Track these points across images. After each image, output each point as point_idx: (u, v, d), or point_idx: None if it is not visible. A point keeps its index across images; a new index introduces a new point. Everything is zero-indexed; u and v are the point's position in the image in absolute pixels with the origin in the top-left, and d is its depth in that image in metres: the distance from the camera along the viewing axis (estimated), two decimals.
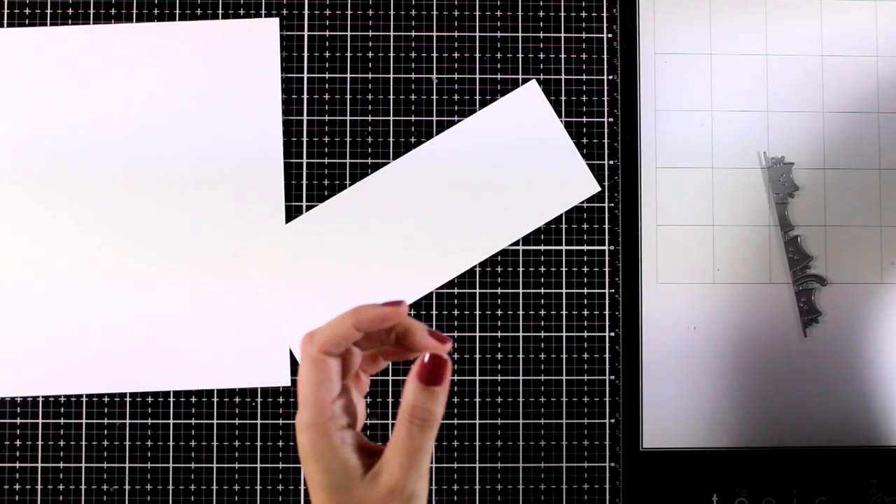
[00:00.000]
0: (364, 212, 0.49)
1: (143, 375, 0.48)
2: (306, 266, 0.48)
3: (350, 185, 0.49)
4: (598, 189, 0.49)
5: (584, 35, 0.50)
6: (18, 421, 0.48)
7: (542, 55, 0.50)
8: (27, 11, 0.49)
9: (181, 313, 0.48)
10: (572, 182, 0.49)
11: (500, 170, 0.49)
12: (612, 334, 0.49)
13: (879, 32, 0.50)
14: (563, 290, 0.49)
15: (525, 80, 0.50)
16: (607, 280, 0.49)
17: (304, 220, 0.49)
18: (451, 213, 0.49)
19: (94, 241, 0.48)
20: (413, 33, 0.50)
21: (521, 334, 0.49)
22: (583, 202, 0.49)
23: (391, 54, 0.50)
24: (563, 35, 0.50)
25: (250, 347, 0.48)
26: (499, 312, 0.49)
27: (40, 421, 0.48)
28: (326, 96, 0.49)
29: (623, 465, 0.48)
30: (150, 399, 0.48)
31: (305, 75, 0.49)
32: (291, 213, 0.49)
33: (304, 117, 0.49)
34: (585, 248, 0.49)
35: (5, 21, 0.49)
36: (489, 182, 0.49)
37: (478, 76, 0.50)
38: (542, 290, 0.49)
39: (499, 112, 0.49)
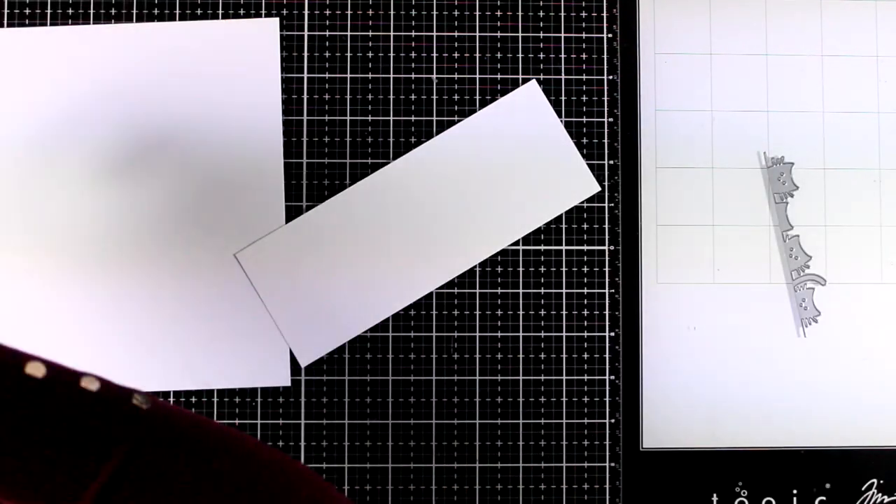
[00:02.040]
0: (364, 212, 0.49)
1: (143, 375, 0.48)
2: (306, 266, 0.48)
3: (350, 185, 0.49)
4: (598, 189, 0.49)
5: (584, 35, 0.50)
6: None
7: (542, 55, 0.50)
8: (27, 11, 0.49)
9: (181, 313, 0.48)
10: (572, 182, 0.49)
11: (500, 170, 0.49)
12: (612, 334, 0.49)
13: (879, 32, 0.50)
14: (563, 290, 0.49)
15: (525, 80, 0.50)
16: (607, 280, 0.49)
17: (304, 220, 0.49)
18: (451, 213, 0.49)
19: (94, 241, 0.48)
20: (413, 33, 0.50)
21: (521, 334, 0.49)
22: (583, 202, 0.49)
23: (391, 54, 0.50)
24: (563, 35, 0.50)
25: (250, 347, 0.48)
26: (499, 312, 0.49)
27: None
28: (326, 96, 0.49)
29: (623, 465, 0.48)
30: None
31: (305, 75, 0.49)
32: (291, 213, 0.49)
33: (304, 117, 0.49)
34: (585, 248, 0.49)
35: (5, 21, 0.49)
36: (489, 182, 0.49)
37: (478, 76, 0.50)
38: (542, 290, 0.49)
39: (499, 112, 0.49)
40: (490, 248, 0.49)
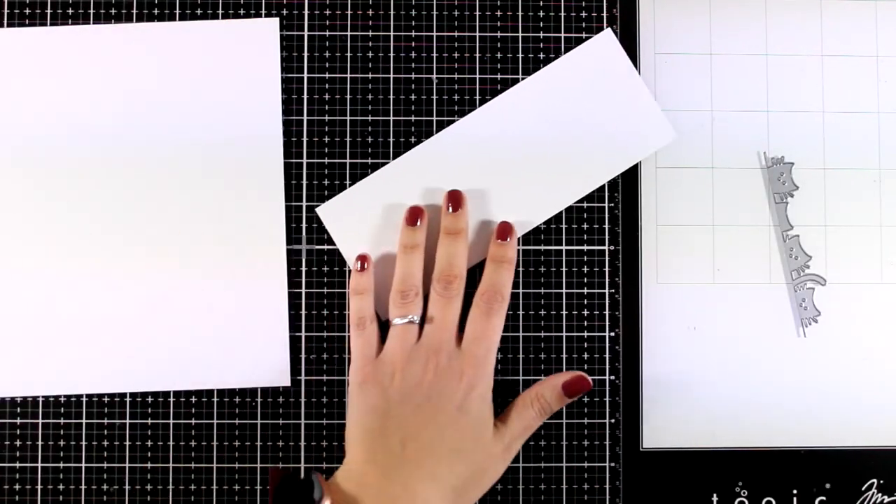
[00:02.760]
0: (442, 164, 0.48)
1: (143, 375, 0.48)
2: (386, 220, 0.48)
3: (350, 184, 0.49)
4: (675, 136, 0.49)
5: (584, 35, 0.50)
6: (18, 421, 0.48)
7: (542, 55, 0.50)
8: (27, 11, 0.49)
9: (181, 314, 0.48)
10: (647, 131, 0.48)
11: (574, 121, 0.48)
12: (612, 334, 0.49)
13: (879, 32, 0.50)
14: (563, 290, 0.49)
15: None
16: (607, 280, 0.49)
17: (381, 174, 0.49)
18: (529, 163, 0.48)
19: (95, 242, 0.48)
20: (413, 33, 0.50)
21: (521, 334, 0.49)
22: (582, 202, 0.49)
23: (391, 54, 0.50)
24: (563, 35, 0.50)
25: (250, 347, 0.48)
26: None
27: (40, 421, 0.48)
28: (326, 96, 0.49)
29: (623, 465, 0.48)
30: (150, 399, 0.48)
31: (305, 75, 0.49)
32: (291, 213, 0.49)
33: (304, 117, 0.49)
34: (585, 248, 0.49)
35: (5, 21, 0.49)
36: (563, 133, 0.48)
37: (478, 76, 0.50)
38: (542, 290, 0.49)
39: (572, 64, 0.49)
40: (570, 198, 0.49)
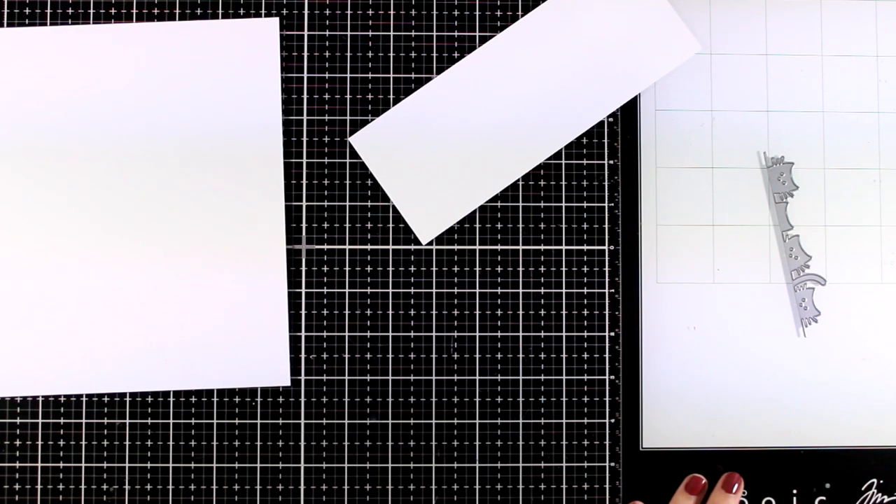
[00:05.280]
0: (471, 87, 0.49)
1: (143, 375, 0.48)
2: (419, 145, 0.48)
3: (350, 183, 0.49)
4: (699, 48, 0.49)
5: None
6: (18, 421, 0.48)
7: None
8: (27, 11, 0.49)
9: (181, 314, 0.48)
10: (670, 43, 0.49)
11: (596, 40, 0.48)
12: (612, 334, 0.49)
13: (879, 32, 0.50)
14: (563, 290, 0.49)
15: None
16: (607, 280, 0.49)
17: (413, 100, 0.49)
18: (560, 79, 0.49)
19: (96, 242, 0.48)
20: (413, 33, 0.50)
21: (520, 334, 0.49)
22: (582, 202, 0.49)
23: (391, 54, 0.50)
24: None
25: (250, 347, 0.48)
26: (499, 312, 0.49)
27: (40, 421, 0.48)
28: (326, 96, 0.49)
29: (623, 465, 0.48)
30: (150, 399, 0.48)
31: (305, 75, 0.49)
32: (291, 213, 0.49)
33: (304, 117, 0.49)
34: (585, 248, 0.49)
35: (5, 21, 0.49)
36: (586, 53, 0.48)
37: None
38: (542, 290, 0.49)
39: None
40: (599, 114, 0.49)
